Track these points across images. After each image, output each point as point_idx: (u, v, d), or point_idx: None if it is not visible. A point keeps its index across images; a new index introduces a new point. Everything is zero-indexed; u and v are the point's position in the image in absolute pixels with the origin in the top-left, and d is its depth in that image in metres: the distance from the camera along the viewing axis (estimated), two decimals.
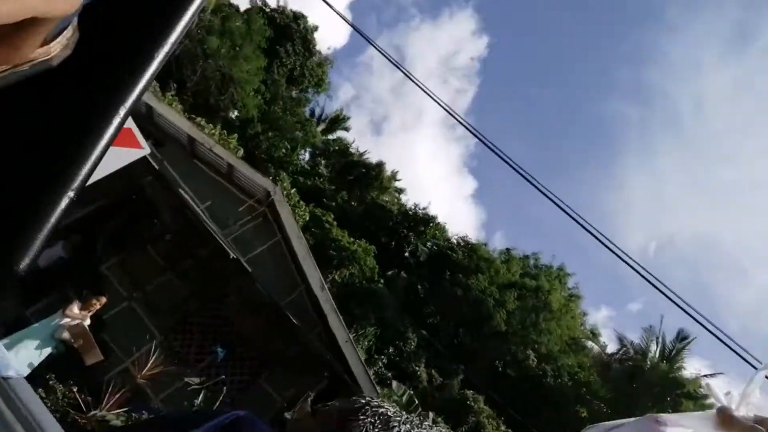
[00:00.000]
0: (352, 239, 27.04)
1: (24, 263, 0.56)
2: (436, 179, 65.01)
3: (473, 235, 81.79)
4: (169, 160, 10.36)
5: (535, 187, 5.96)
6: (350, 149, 37.59)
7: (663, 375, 21.81)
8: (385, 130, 61.24)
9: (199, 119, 17.52)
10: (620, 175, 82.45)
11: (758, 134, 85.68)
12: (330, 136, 37.73)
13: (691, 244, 76.63)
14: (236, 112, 28.60)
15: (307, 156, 36.33)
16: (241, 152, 19.70)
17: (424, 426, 8.34)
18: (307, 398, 8.79)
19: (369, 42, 6.36)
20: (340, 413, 7.99)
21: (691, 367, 25.08)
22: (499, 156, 5.63)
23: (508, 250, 33.59)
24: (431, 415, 13.62)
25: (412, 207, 34.65)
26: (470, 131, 6.31)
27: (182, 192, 9.93)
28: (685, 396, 21.35)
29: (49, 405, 6.01)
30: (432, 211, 33.48)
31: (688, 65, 79.61)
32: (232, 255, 9.33)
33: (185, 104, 21.94)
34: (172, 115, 10.77)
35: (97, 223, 9.44)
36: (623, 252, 6.15)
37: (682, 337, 23.81)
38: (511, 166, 5.96)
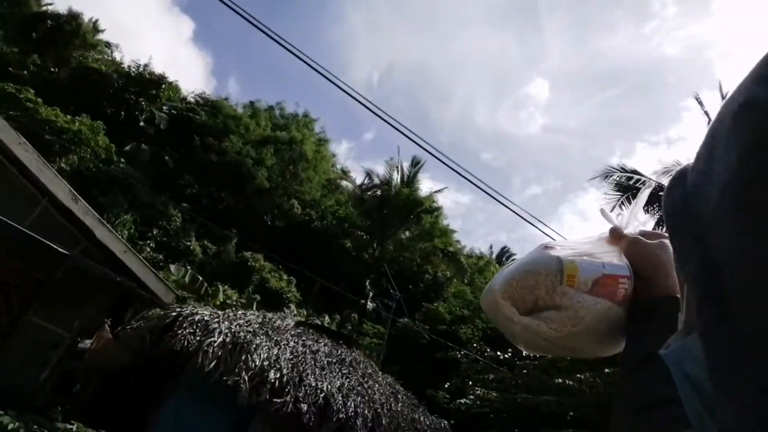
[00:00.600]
0: (68, 117, 22.48)
1: None
2: (145, 26, 56.45)
3: (204, 85, 76.08)
4: None
5: (260, 29, 6.00)
6: None
7: (405, 198, 25.65)
8: None
9: None
10: (336, 7, 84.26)
11: None
12: None
13: (406, 72, 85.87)
14: None
15: None
16: None
17: (239, 315, 8.45)
18: (104, 325, 7.88)
19: None
20: (152, 332, 7.48)
21: (425, 186, 30.04)
22: None
23: (251, 103, 32.59)
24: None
25: (134, 66, 29.83)
26: None
27: None
28: (423, 212, 25.84)
29: None
30: (156, 69, 29.48)
31: None
32: None
33: None
34: None
35: None
36: (353, 90, 7.05)
37: (415, 163, 27.92)
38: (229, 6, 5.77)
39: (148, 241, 20.11)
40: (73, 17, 30.98)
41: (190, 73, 58.47)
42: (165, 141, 27.26)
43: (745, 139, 0.30)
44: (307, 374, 7.69)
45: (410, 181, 26.71)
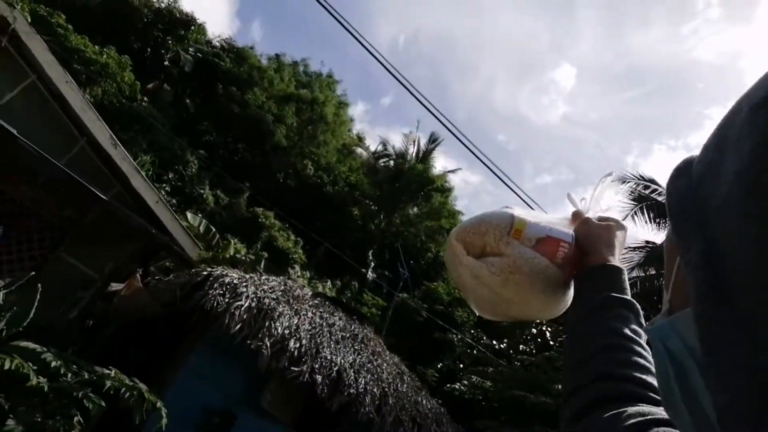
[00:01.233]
0: (96, 48, 22.30)
1: None
2: None
3: (227, 26, 74.55)
4: None
5: None
6: None
7: (419, 174, 25.78)
8: None
9: None
10: None
11: None
12: None
13: (433, 41, 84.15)
14: None
15: None
16: None
17: (263, 281, 8.76)
18: (135, 273, 8.19)
19: None
20: (182, 288, 7.79)
21: (438, 164, 30.02)
22: None
23: (277, 56, 32.24)
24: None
25: (164, 2, 29.34)
26: None
27: None
28: (434, 190, 26.01)
29: None
30: (185, 7, 29.03)
31: None
32: None
33: None
34: None
35: None
36: (378, 52, 6.94)
37: (433, 140, 27.90)
38: None
39: (164, 185, 20.29)
40: None
41: (215, 12, 57.31)
42: (188, 84, 27.10)
43: (759, 129, 0.31)
44: (323, 347, 8.05)
45: (425, 157, 26.79)
